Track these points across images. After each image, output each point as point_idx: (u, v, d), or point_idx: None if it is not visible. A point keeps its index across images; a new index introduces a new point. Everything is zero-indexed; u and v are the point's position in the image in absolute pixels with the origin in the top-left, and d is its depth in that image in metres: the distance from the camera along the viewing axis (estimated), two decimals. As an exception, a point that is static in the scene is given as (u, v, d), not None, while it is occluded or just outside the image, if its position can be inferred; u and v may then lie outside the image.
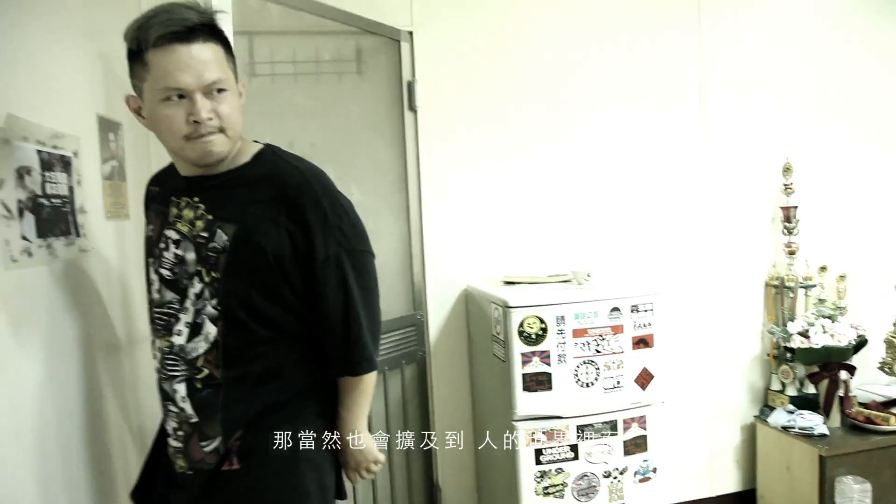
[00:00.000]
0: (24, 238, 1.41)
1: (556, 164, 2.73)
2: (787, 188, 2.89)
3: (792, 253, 2.89)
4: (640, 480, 2.23)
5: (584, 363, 2.16)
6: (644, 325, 2.22)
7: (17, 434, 1.28)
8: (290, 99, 2.50)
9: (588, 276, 2.39)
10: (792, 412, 2.73)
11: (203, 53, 1.22)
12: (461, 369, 2.67)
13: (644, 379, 2.22)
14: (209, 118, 1.24)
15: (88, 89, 1.87)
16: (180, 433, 1.34)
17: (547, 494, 2.15)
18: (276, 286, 1.31)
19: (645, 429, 2.22)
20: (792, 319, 2.79)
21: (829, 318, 2.71)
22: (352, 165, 2.56)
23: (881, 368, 2.79)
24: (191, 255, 1.31)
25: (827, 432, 2.62)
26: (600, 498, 2.19)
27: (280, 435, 1.32)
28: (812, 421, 2.65)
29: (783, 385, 2.87)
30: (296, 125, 2.51)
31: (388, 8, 2.56)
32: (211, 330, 1.29)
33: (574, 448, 2.16)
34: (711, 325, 2.91)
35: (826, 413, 2.72)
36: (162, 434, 1.45)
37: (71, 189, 1.67)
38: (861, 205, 3.04)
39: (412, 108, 2.59)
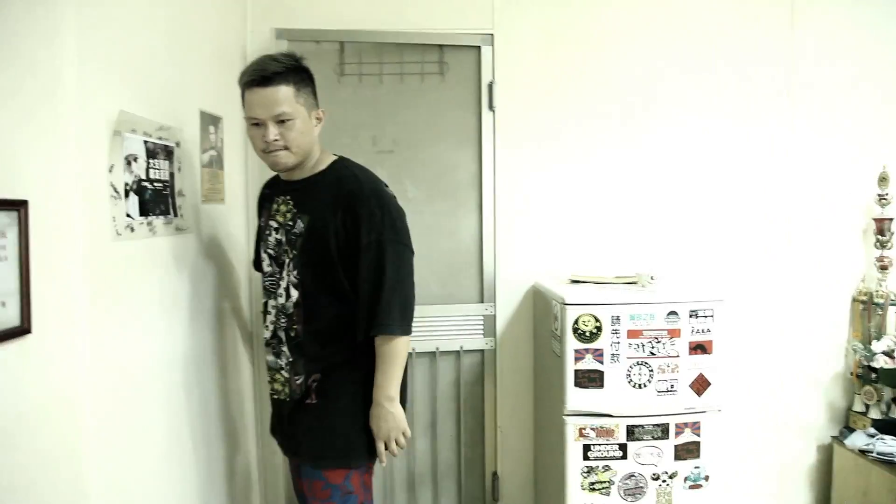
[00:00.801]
0: (129, 216, 1.65)
1: (629, 167, 2.74)
2: (881, 199, 2.74)
3: (884, 268, 2.74)
4: (691, 487, 2.22)
5: (638, 364, 2.18)
6: (703, 331, 2.20)
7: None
8: (375, 98, 2.68)
9: (652, 278, 2.40)
10: (873, 436, 2.60)
11: (274, 94, 1.69)
12: (526, 363, 2.75)
13: (700, 385, 2.21)
14: (275, 139, 1.71)
15: (194, 87, 2.11)
16: (287, 367, 1.80)
17: (593, 490, 2.19)
18: (332, 263, 1.73)
19: (698, 435, 2.21)
20: (878, 338, 2.65)
21: (920, 339, 2.56)
22: (430, 161, 2.70)
23: (981, 398, 2.60)
24: (284, 238, 1.79)
25: (909, 460, 2.48)
26: (647, 500, 2.20)
27: (345, 386, 1.77)
28: (893, 447, 2.51)
29: (866, 406, 2.73)
30: (380, 122, 2.68)
31: (470, 11, 2.68)
32: (294, 293, 1.77)
33: (623, 447, 2.19)
34: (790, 337, 2.81)
35: (911, 440, 2.57)
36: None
37: (172, 175, 1.91)
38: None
39: (491, 108, 2.69)
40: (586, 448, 2.19)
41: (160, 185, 1.84)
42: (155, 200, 1.80)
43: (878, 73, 2.79)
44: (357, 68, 2.68)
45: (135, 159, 1.70)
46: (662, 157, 2.75)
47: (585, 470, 2.19)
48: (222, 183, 2.33)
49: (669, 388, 2.20)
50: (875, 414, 2.70)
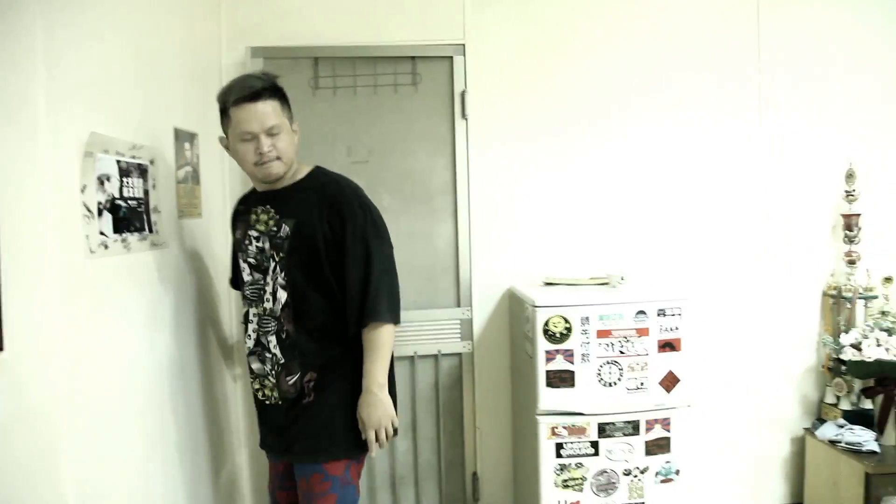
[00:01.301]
0: (102, 233, 1.70)
1: (601, 170, 2.81)
2: (849, 195, 2.81)
3: (852, 262, 2.80)
4: (662, 481, 2.28)
5: (608, 363, 2.24)
6: (671, 329, 2.26)
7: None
8: (349, 110, 2.74)
9: (622, 279, 2.46)
10: (842, 426, 2.66)
11: (264, 108, 1.80)
12: (503, 365, 2.81)
13: (669, 382, 2.27)
14: (269, 150, 1.81)
15: (168, 104, 2.17)
16: (274, 372, 1.87)
17: (567, 487, 2.25)
18: (319, 262, 1.82)
19: (669, 431, 2.27)
20: (847, 331, 2.71)
21: (887, 331, 2.62)
22: (405, 170, 2.76)
23: (947, 387, 2.66)
24: (267, 245, 1.87)
25: (877, 449, 2.53)
26: (619, 495, 2.26)
27: (341, 379, 1.84)
28: (862, 437, 2.57)
29: (837, 398, 2.79)
30: (355, 133, 2.74)
31: (442, 22, 2.74)
32: (282, 295, 1.85)
33: (595, 445, 2.25)
34: (764, 332, 2.87)
35: (880, 430, 2.63)
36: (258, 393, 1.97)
37: (146, 192, 1.96)
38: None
39: (464, 117, 2.76)
40: (559, 446, 2.25)
41: (134, 202, 1.89)
42: (129, 218, 1.86)
43: (844, 72, 2.86)
44: (331, 81, 2.74)
45: (108, 179, 1.75)
46: (634, 159, 2.81)
47: (558, 468, 2.25)
48: (199, 198, 2.38)
49: (639, 386, 2.26)
50: (845, 405, 2.76)
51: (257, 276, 1.90)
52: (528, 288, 2.56)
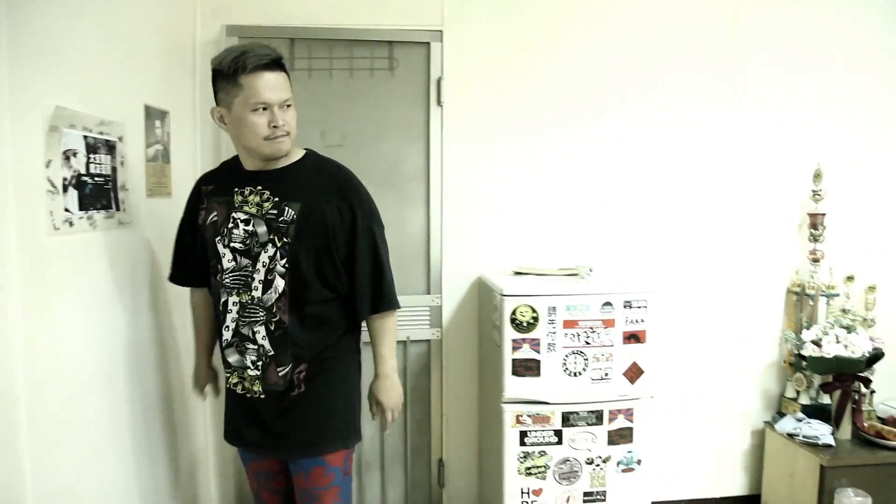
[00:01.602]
0: (67, 210, 1.67)
1: (574, 161, 2.82)
2: (815, 194, 2.86)
3: (816, 260, 2.86)
4: (623, 470, 2.32)
5: (574, 353, 2.27)
6: (636, 321, 2.29)
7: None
8: (324, 93, 2.72)
9: (590, 270, 2.48)
10: (800, 420, 2.73)
11: (279, 79, 1.71)
12: (471, 353, 2.82)
13: (633, 373, 2.30)
14: (283, 124, 1.70)
15: (139, 81, 2.13)
16: (259, 364, 1.77)
17: (530, 474, 2.28)
18: (327, 248, 1.76)
19: (631, 421, 2.31)
20: (809, 327, 2.77)
21: (847, 328, 2.68)
22: (379, 156, 2.75)
23: (902, 383, 2.74)
24: (262, 229, 1.75)
25: (832, 443, 2.60)
26: (581, 483, 2.30)
27: (336, 368, 1.82)
28: (818, 430, 2.64)
29: (797, 393, 2.86)
30: (329, 117, 2.72)
31: (420, 7, 2.73)
32: (280, 283, 1.74)
33: (558, 433, 2.28)
34: (728, 326, 2.93)
35: (836, 424, 2.70)
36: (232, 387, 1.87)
37: (114, 169, 1.94)
38: (894, 216, 2.96)
39: (439, 104, 2.75)
40: (523, 434, 2.27)
41: (101, 179, 1.87)
42: (96, 195, 1.83)
43: (815, 74, 2.90)
44: (307, 63, 2.71)
45: (74, 154, 1.72)
46: (607, 152, 2.83)
47: (522, 455, 2.27)
48: (168, 177, 2.35)
49: (604, 377, 2.29)
50: (805, 399, 2.83)
51: (244, 262, 1.76)
52: (498, 277, 2.57)
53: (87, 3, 1.78)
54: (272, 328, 1.76)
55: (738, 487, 2.98)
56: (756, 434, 2.96)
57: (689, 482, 2.94)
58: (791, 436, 2.69)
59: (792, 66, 2.89)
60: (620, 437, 2.31)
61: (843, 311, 2.82)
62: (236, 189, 1.79)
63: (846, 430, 2.69)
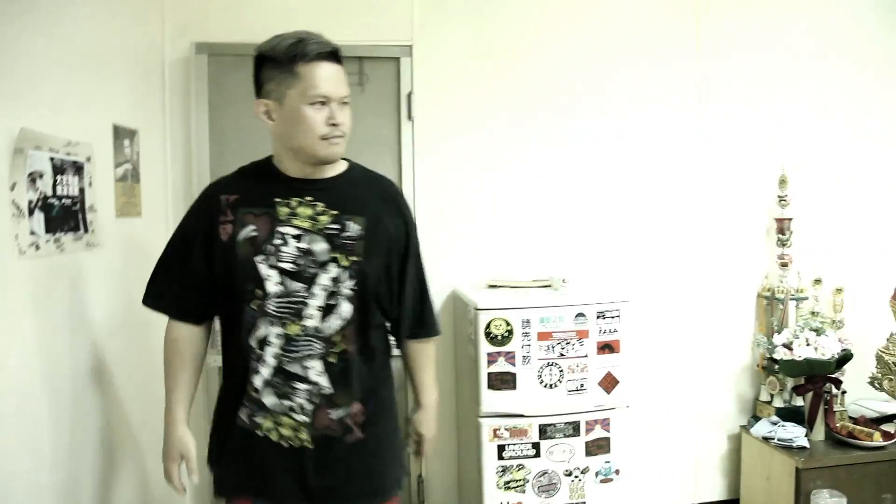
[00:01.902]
0: (33, 233, 1.65)
1: (545, 174, 2.84)
2: (781, 200, 2.92)
3: (784, 265, 2.91)
4: (602, 481, 2.33)
5: (549, 365, 2.28)
6: (610, 331, 2.32)
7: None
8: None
9: (564, 281, 2.50)
10: (775, 423, 2.76)
11: (340, 73, 1.51)
12: (448, 367, 2.81)
13: (608, 383, 2.32)
14: (342, 123, 1.49)
15: (107, 100, 2.12)
16: (308, 407, 1.50)
17: (509, 488, 2.28)
18: (388, 267, 1.58)
19: (608, 431, 2.32)
20: (780, 331, 2.82)
21: (816, 331, 2.73)
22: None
23: (871, 384, 2.78)
24: (321, 246, 1.50)
25: (807, 445, 2.64)
26: (561, 495, 2.30)
27: (386, 406, 1.63)
28: (793, 433, 2.67)
29: (771, 396, 2.90)
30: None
31: (390, 23, 2.74)
32: (346, 309, 1.51)
33: (536, 446, 2.28)
34: (701, 333, 2.96)
35: (809, 426, 2.74)
36: (233, 417, 1.56)
37: (82, 190, 1.92)
38: (858, 219, 3.03)
39: (410, 118, 2.76)
40: (501, 448, 2.27)
41: (69, 201, 1.85)
42: (63, 217, 1.81)
43: (779, 81, 2.97)
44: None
45: (40, 176, 1.70)
46: (577, 164, 2.86)
47: (500, 469, 2.27)
48: (138, 197, 2.33)
49: (579, 388, 2.30)
50: (778, 402, 2.87)
51: (295, 286, 1.49)
52: (472, 290, 2.58)
53: (53, 22, 1.77)
54: (332, 361, 1.50)
55: (716, 492, 3.01)
56: (732, 438, 2.99)
57: (669, 489, 2.96)
58: (766, 439, 2.72)
59: (757, 72, 2.95)
60: (598, 447, 2.32)
61: (813, 313, 2.87)
62: (277, 199, 1.52)
63: (820, 431, 2.73)
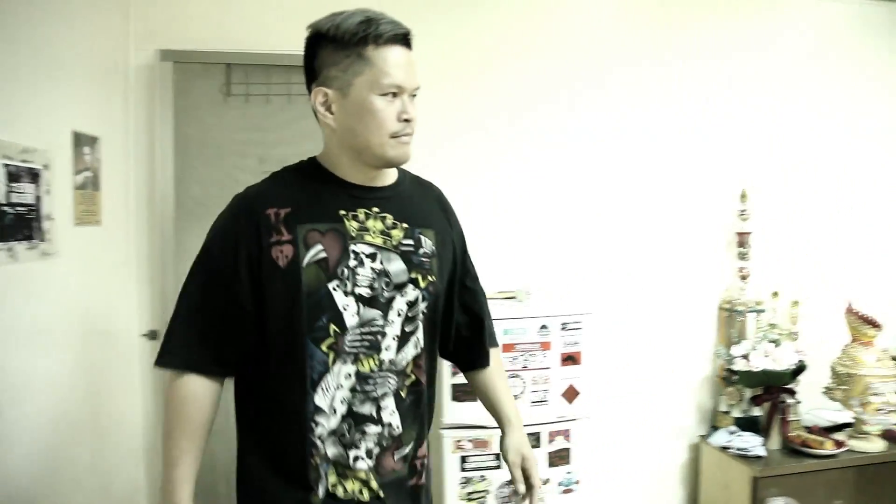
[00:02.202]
0: (-16, 242, 1.62)
1: (509, 185, 2.86)
2: (741, 214, 2.99)
3: (744, 278, 2.98)
4: (564, 491, 2.35)
5: (512, 377, 2.29)
6: (572, 343, 2.34)
7: None
8: (262, 118, 2.69)
9: (528, 293, 2.53)
10: (733, 433, 2.82)
11: (413, 60, 1.27)
12: (414, 376, 2.82)
13: (570, 394, 2.35)
14: (414, 119, 1.27)
15: (67, 107, 2.08)
16: (376, 451, 1.28)
17: (471, 500, 2.29)
18: (452, 283, 1.43)
19: (569, 442, 2.35)
20: (739, 342, 2.88)
21: (774, 342, 2.79)
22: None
23: (825, 394, 2.85)
24: (397, 266, 1.28)
25: (763, 454, 2.70)
26: (522, 505, 2.32)
27: (428, 453, 1.40)
28: (750, 442, 2.73)
29: (730, 406, 2.96)
30: (267, 142, 2.70)
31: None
32: (421, 335, 1.31)
33: (498, 457, 2.30)
34: (663, 345, 3.00)
35: (766, 435, 2.80)
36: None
37: (38, 198, 1.88)
38: (814, 233, 3.12)
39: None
40: (463, 459, 2.28)
41: (23, 209, 1.82)
42: (16, 225, 1.78)
43: (743, 97, 3.04)
44: (244, 88, 2.69)
45: (-7, 184, 1.67)
46: (542, 175, 2.88)
47: (463, 480, 2.28)
48: (98, 205, 2.30)
49: (542, 399, 2.33)
50: (737, 413, 2.93)
51: (370, 314, 1.26)
52: (439, 301, 2.58)
53: (11, 25, 1.74)
54: (403, 395, 1.30)
55: (676, 501, 3.06)
56: (692, 448, 3.04)
57: (629, 498, 2.99)
58: (725, 448, 2.78)
59: (719, 87, 3.02)
60: (559, 458, 2.34)
61: (771, 325, 2.94)
62: (342, 212, 1.27)
63: (775, 440, 2.79)
